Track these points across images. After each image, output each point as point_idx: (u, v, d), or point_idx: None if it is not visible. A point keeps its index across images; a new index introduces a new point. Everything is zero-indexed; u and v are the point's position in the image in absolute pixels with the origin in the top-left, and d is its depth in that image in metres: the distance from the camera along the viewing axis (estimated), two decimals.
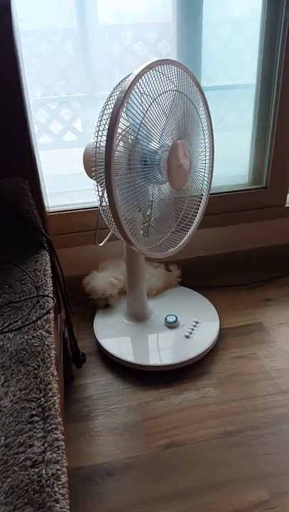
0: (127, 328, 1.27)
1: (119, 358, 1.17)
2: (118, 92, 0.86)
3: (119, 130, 0.88)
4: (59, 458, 0.51)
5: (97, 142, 0.88)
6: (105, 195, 0.91)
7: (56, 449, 0.52)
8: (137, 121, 0.89)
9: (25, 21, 1.16)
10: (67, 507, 0.47)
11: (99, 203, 0.97)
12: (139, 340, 1.23)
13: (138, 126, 0.89)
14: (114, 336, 1.24)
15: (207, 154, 1.12)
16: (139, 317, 1.28)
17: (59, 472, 0.50)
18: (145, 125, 0.91)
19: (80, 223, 1.32)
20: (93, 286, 1.31)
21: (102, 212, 0.99)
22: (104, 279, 1.31)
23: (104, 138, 0.86)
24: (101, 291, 1.31)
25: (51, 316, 0.73)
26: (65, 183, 1.43)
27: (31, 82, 1.24)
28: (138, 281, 1.23)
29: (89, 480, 0.93)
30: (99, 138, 0.88)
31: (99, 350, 1.23)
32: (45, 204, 1.08)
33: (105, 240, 1.13)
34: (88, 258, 1.37)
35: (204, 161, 1.12)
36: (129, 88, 0.84)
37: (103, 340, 1.22)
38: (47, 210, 1.13)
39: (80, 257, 1.35)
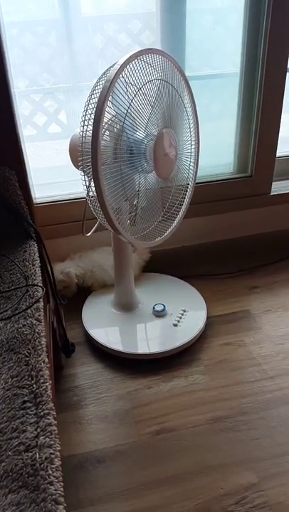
0: (115, 317, 1.27)
1: (108, 347, 1.17)
2: (103, 82, 0.86)
3: (105, 119, 0.88)
4: (52, 442, 0.52)
5: (83, 132, 0.88)
6: (92, 184, 0.92)
7: (49, 433, 0.53)
8: (123, 110, 0.89)
9: (9, 13, 1.15)
10: (62, 489, 0.48)
11: (86, 192, 0.97)
12: (128, 329, 1.24)
13: (124, 115, 0.89)
14: (102, 325, 1.25)
15: (192, 143, 1.13)
16: (127, 307, 1.29)
17: (52, 456, 0.51)
18: (131, 114, 0.91)
19: (67, 214, 1.32)
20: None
21: (89, 202, 0.99)
22: (58, 272, 1.30)
23: (91, 127, 0.86)
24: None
25: (41, 304, 0.74)
26: (50, 175, 1.43)
27: (15, 73, 1.24)
28: (125, 271, 1.23)
29: (80, 467, 0.94)
30: (85, 127, 0.88)
31: (88, 340, 1.23)
32: (32, 195, 1.08)
33: (92, 230, 1.13)
34: (76, 249, 1.37)
35: (190, 150, 1.13)
36: (114, 77, 0.84)
37: (92, 330, 1.23)
38: (34, 201, 1.13)
39: (67, 247, 1.35)
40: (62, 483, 0.49)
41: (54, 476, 0.49)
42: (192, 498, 0.87)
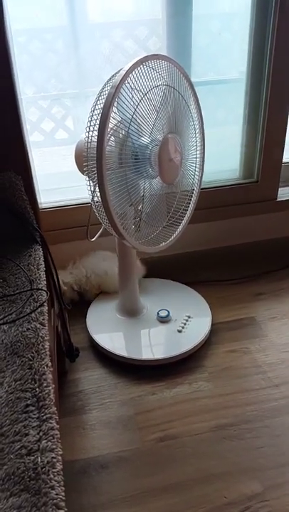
0: (119, 323, 1.27)
1: (112, 353, 1.17)
2: (109, 88, 0.87)
3: (111, 125, 0.88)
4: (54, 446, 0.52)
5: (88, 137, 0.89)
6: (97, 190, 0.92)
7: (51, 437, 0.53)
8: (128, 116, 0.89)
9: (17, 20, 1.16)
10: (63, 494, 0.48)
11: (91, 198, 0.97)
12: (132, 334, 1.24)
13: (129, 121, 0.89)
14: (106, 330, 1.25)
15: (198, 149, 1.13)
16: (131, 312, 1.28)
17: (54, 460, 0.50)
18: (136, 120, 0.92)
19: (73, 219, 1.32)
20: None
21: (94, 207, 0.99)
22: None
23: (96, 133, 0.86)
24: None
25: (45, 308, 0.74)
26: (57, 181, 1.44)
27: (23, 80, 1.25)
28: (130, 276, 1.23)
29: (83, 473, 0.93)
30: (90, 133, 0.89)
31: (92, 345, 1.23)
32: (38, 200, 1.08)
33: (97, 235, 1.13)
34: (81, 254, 1.37)
35: (195, 156, 1.13)
36: (119, 83, 0.85)
37: (96, 335, 1.22)
38: (39, 206, 1.13)
39: (72, 252, 1.35)
40: (63, 488, 0.49)
41: (55, 481, 0.48)
42: (195, 507, 0.86)
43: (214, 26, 1.30)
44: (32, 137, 1.37)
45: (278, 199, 1.49)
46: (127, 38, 1.29)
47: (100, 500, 0.88)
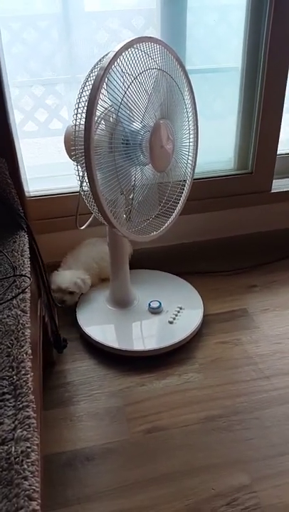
0: (110, 314, 1.25)
1: (102, 344, 1.15)
2: (97, 70, 0.84)
3: (101, 108, 0.86)
4: (29, 435, 0.50)
5: (76, 120, 0.86)
6: (86, 176, 0.89)
7: (27, 426, 0.51)
8: (118, 99, 0.87)
9: (10, 8, 1.14)
10: (37, 484, 0.46)
11: (79, 184, 0.95)
12: (123, 326, 1.22)
13: (118, 104, 0.87)
14: (97, 321, 1.23)
15: (191, 137, 1.11)
16: (122, 303, 1.26)
17: (29, 450, 0.48)
18: (126, 104, 0.89)
19: (63, 208, 1.29)
20: (58, 284, 1.24)
21: (82, 194, 0.97)
22: (69, 278, 1.25)
23: (84, 116, 0.84)
24: (63, 286, 1.24)
25: (27, 295, 0.72)
26: (52, 171, 1.41)
27: (16, 68, 1.23)
28: (121, 267, 1.21)
29: (69, 465, 0.92)
30: (78, 115, 0.86)
31: (81, 336, 1.21)
32: (26, 189, 1.06)
33: (87, 223, 1.11)
34: (70, 244, 1.35)
35: (188, 144, 1.11)
36: (108, 65, 0.82)
37: (86, 326, 1.20)
38: (28, 194, 1.11)
39: (61, 243, 1.33)
40: (37, 479, 0.47)
41: (29, 471, 0.47)
42: (182, 499, 0.85)
43: (209, 17, 1.27)
44: (26, 127, 1.35)
45: (273, 191, 1.47)
46: (123, 28, 1.26)
47: (85, 492, 0.87)
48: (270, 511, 0.82)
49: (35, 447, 0.49)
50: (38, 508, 0.44)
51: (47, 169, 1.42)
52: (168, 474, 0.89)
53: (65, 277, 1.25)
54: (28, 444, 0.49)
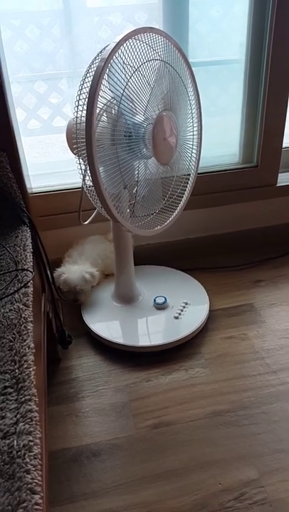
0: (115, 309, 1.25)
1: (108, 340, 1.14)
2: (98, 61, 0.83)
3: (102, 101, 0.85)
4: (32, 429, 0.49)
5: (77, 113, 0.86)
6: (88, 170, 0.89)
7: (29, 420, 0.50)
8: (119, 91, 0.86)
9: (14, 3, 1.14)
10: (39, 478, 0.45)
11: (82, 178, 0.94)
12: (128, 321, 1.21)
13: (120, 96, 0.86)
14: (102, 318, 1.22)
15: (195, 129, 1.10)
16: (127, 299, 1.26)
17: (31, 443, 0.48)
18: (129, 96, 0.88)
19: (65, 204, 1.29)
20: (65, 279, 1.21)
21: (85, 188, 0.96)
22: (78, 273, 1.22)
23: (85, 109, 0.83)
24: (72, 285, 1.21)
25: (30, 290, 0.71)
26: (53, 167, 1.41)
27: (19, 65, 1.22)
28: (126, 262, 1.20)
29: (75, 461, 0.91)
30: (79, 109, 0.85)
31: (86, 332, 1.21)
32: (29, 185, 1.05)
33: (90, 218, 1.10)
34: (74, 240, 1.34)
35: (192, 137, 1.10)
36: (109, 56, 0.82)
37: (91, 322, 1.20)
38: (30, 191, 1.10)
39: (65, 239, 1.32)
40: (40, 472, 0.46)
41: (31, 465, 0.46)
42: (189, 494, 0.84)
43: (212, 10, 1.26)
44: (30, 124, 1.35)
45: (278, 184, 1.45)
46: (126, 23, 1.25)
47: (92, 488, 0.86)
48: (278, 505, 0.81)
49: (38, 441, 0.49)
50: (40, 501, 0.43)
51: (51, 166, 1.42)
52: (175, 470, 0.89)
53: (74, 274, 1.22)
54: (31, 438, 0.48)
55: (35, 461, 0.47)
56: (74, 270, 1.23)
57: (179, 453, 0.91)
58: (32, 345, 0.61)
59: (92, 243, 1.33)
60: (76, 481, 0.88)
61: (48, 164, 1.43)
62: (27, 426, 0.49)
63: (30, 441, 0.48)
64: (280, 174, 1.45)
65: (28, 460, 0.46)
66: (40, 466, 0.47)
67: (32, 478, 0.45)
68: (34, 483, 0.45)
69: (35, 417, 0.51)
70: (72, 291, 1.22)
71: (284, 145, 1.41)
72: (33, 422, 0.50)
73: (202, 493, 0.84)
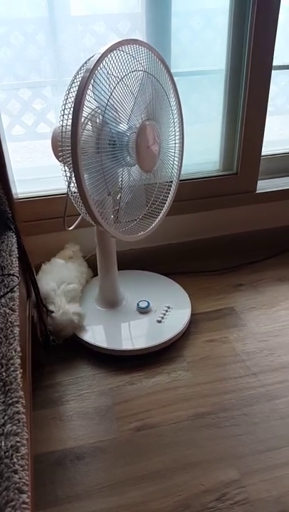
0: (99, 314, 1.26)
1: (91, 344, 1.16)
2: (83, 72, 0.85)
3: (87, 110, 0.87)
4: (19, 430, 0.50)
5: (62, 121, 0.87)
6: (73, 177, 0.90)
7: (16, 421, 0.51)
8: (104, 101, 0.88)
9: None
10: (27, 478, 0.47)
11: (67, 185, 0.96)
12: (112, 326, 1.23)
13: (104, 106, 0.88)
14: (86, 322, 1.23)
15: (177, 138, 1.12)
16: (111, 303, 1.27)
17: (18, 444, 0.49)
18: (113, 106, 0.91)
19: (50, 210, 1.30)
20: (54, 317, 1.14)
21: (70, 195, 0.98)
22: (67, 315, 1.15)
23: (70, 118, 0.85)
24: (58, 326, 1.15)
25: (16, 294, 0.72)
26: (38, 173, 1.42)
27: (3, 72, 1.24)
28: (110, 267, 1.22)
29: (59, 464, 0.92)
30: (65, 118, 0.87)
31: (71, 337, 1.21)
32: (14, 191, 1.06)
33: (75, 224, 1.12)
34: (58, 246, 1.36)
35: (174, 146, 1.12)
36: (94, 67, 0.84)
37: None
38: (16, 196, 1.11)
39: (50, 245, 1.33)
40: (27, 472, 0.47)
41: (19, 465, 0.47)
42: (172, 495, 0.86)
43: (194, 21, 1.29)
44: (14, 131, 1.36)
45: (257, 191, 1.49)
46: (109, 32, 1.27)
47: (75, 491, 0.87)
48: (259, 505, 0.83)
49: (25, 442, 0.50)
50: (28, 500, 0.44)
51: (34, 172, 1.43)
52: (158, 471, 0.90)
53: (62, 316, 1.15)
54: (18, 439, 0.49)
55: (23, 461, 0.48)
56: (64, 311, 1.15)
57: (162, 455, 0.93)
58: (18, 348, 0.62)
59: (47, 275, 1.25)
60: (60, 484, 0.88)
61: (32, 170, 1.44)
62: (14, 427, 0.51)
63: (17, 442, 0.49)
64: (259, 181, 1.49)
65: (15, 460, 0.47)
66: (27, 466, 0.48)
67: (20, 478, 0.46)
68: (22, 483, 0.46)
69: (22, 418, 0.52)
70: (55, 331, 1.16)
71: (263, 153, 1.44)
72: (20, 424, 0.51)
73: (185, 494, 0.86)
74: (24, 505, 0.44)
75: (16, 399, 0.54)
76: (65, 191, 1.29)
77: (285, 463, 0.90)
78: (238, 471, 0.89)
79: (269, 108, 1.38)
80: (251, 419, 0.99)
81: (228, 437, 0.96)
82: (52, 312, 1.13)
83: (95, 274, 1.29)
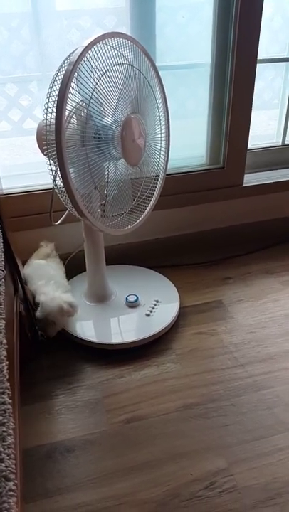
0: (88, 308, 1.26)
1: (80, 338, 1.16)
2: (66, 65, 0.85)
3: (71, 103, 0.87)
4: (5, 420, 0.51)
5: (46, 115, 0.87)
6: (59, 171, 0.90)
7: (2, 412, 0.52)
8: (88, 94, 0.88)
9: None
10: (13, 466, 0.47)
11: (52, 179, 0.96)
12: (101, 320, 1.23)
13: (89, 100, 0.88)
14: (75, 316, 1.23)
15: (163, 132, 1.13)
16: (100, 298, 1.28)
17: (5, 434, 0.49)
18: (97, 99, 0.91)
19: (36, 205, 1.30)
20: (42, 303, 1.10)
21: (56, 189, 0.98)
22: (56, 301, 1.10)
23: (54, 111, 0.85)
24: (46, 313, 1.10)
25: (1, 288, 0.72)
26: (24, 169, 1.42)
27: None
28: (98, 261, 1.22)
29: (48, 457, 0.92)
30: (49, 111, 0.87)
31: (60, 331, 1.22)
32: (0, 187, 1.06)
33: (62, 218, 1.12)
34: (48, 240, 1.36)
35: (160, 139, 1.13)
36: (77, 60, 0.84)
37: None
38: (1, 192, 1.11)
39: (37, 240, 1.33)
40: (14, 461, 0.48)
41: (5, 454, 0.48)
42: (161, 485, 0.87)
43: (178, 15, 1.29)
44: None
45: (244, 185, 1.50)
46: (94, 27, 1.27)
47: (65, 483, 0.88)
48: (246, 492, 0.85)
49: (11, 431, 0.50)
50: (14, 488, 0.45)
51: (21, 168, 1.42)
52: (147, 462, 0.91)
53: (52, 301, 1.10)
54: (4, 429, 0.50)
55: (9, 450, 0.48)
56: (50, 299, 1.11)
57: (151, 446, 0.94)
58: (4, 341, 0.62)
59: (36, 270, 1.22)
60: (50, 476, 0.89)
61: (18, 166, 1.44)
62: (0, 417, 0.51)
63: (4, 431, 0.50)
64: (245, 175, 1.50)
65: (1, 449, 0.48)
66: (13, 455, 0.48)
67: (6, 467, 0.46)
68: (8, 471, 0.46)
69: (8, 408, 0.53)
70: (43, 323, 1.12)
71: (249, 147, 1.45)
72: (7, 414, 0.52)
73: (174, 484, 0.87)
74: (11, 493, 0.44)
75: (1, 390, 0.54)
76: (50, 186, 1.30)
77: (271, 451, 0.91)
78: (226, 460, 0.90)
79: (257, 103, 1.40)
80: (239, 409, 1.01)
81: (216, 427, 0.97)
82: (39, 304, 1.09)
83: (83, 270, 1.29)
